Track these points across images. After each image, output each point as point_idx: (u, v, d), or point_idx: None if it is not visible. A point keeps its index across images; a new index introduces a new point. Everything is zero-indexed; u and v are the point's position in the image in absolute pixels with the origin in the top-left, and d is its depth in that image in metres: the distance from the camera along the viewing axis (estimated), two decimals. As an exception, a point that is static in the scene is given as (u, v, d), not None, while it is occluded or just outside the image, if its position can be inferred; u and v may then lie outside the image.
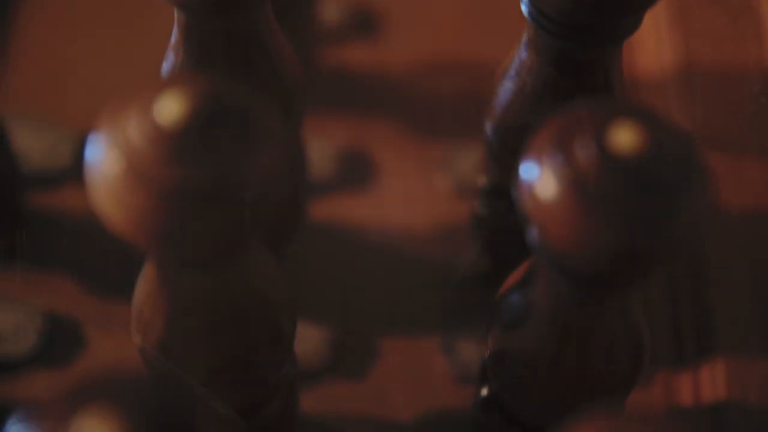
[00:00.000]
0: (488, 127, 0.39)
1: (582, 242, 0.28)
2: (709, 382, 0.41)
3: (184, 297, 0.31)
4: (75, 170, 0.46)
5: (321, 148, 0.47)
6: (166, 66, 0.36)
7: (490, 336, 0.35)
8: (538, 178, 0.29)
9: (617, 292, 0.31)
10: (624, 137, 0.28)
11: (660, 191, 0.28)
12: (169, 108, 0.27)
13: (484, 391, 0.37)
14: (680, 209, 0.28)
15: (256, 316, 0.32)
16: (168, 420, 0.24)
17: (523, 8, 0.35)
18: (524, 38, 0.36)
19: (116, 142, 0.27)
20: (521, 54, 0.37)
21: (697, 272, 0.43)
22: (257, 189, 0.27)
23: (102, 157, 0.27)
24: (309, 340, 0.43)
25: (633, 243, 0.27)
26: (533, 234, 0.30)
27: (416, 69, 0.49)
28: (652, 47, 0.48)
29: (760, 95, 0.47)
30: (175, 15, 0.35)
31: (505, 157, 0.38)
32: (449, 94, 0.48)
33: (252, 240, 0.30)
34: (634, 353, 0.33)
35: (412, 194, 0.46)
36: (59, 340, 0.42)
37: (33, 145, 0.46)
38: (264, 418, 0.37)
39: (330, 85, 0.48)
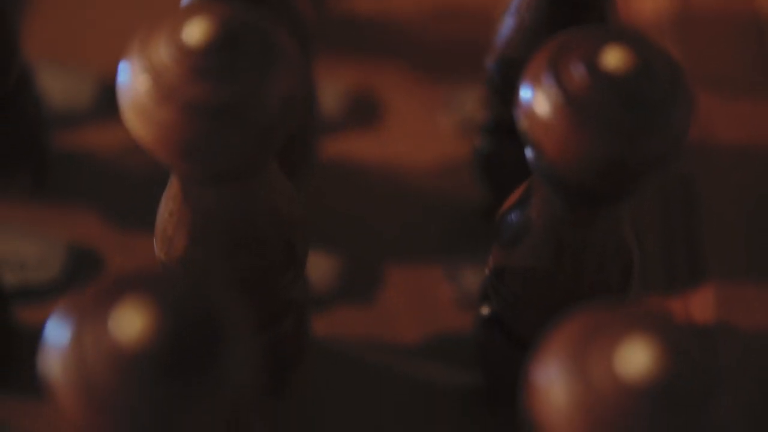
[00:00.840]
0: (489, 63, 0.41)
1: (572, 154, 0.30)
2: (700, 307, 0.43)
3: (204, 214, 0.33)
4: (95, 111, 0.48)
5: (331, 89, 0.49)
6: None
7: (491, 254, 0.37)
8: (533, 98, 0.31)
9: (607, 207, 0.33)
10: (612, 57, 0.30)
11: (645, 107, 0.30)
12: (193, 29, 0.29)
13: (485, 311, 0.40)
14: (664, 123, 0.30)
15: (271, 233, 0.35)
16: (196, 310, 0.26)
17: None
18: (523, -24, 0.39)
19: (144, 63, 0.29)
20: (520, -9, 0.39)
21: (689, 203, 0.45)
22: (275, 106, 0.30)
23: (131, 77, 0.30)
24: (320, 268, 0.45)
25: (619, 154, 0.30)
26: (530, 151, 0.32)
27: (422, 14, 0.51)
28: (647, -9, 0.51)
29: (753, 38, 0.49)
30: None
31: (505, 91, 0.41)
32: (453, 38, 0.50)
33: (268, 159, 0.33)
34: (625, 270, 0.36)
35: (417, 132, 0.48)
36: (82, 270, 0.45)
37: (56, 87, 0.49)
38: (277, 335, 0.39)
39: (339, 30, 0.51)
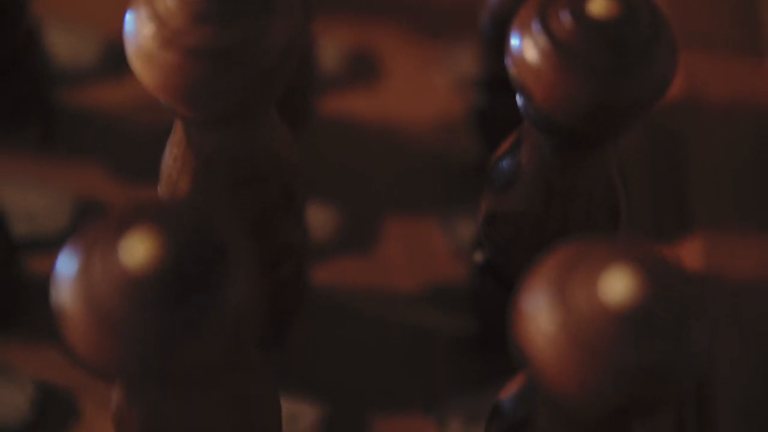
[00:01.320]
0: (484, 17, 0.43)
1: (560, 98, 0.31)
2: (688, 258, 0.45)
3: (207, 157, 0.35)
4: (101, 67, 0.49)
5: (330, 47, 0.50)
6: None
7: (483, 200, 0.38)
8: (522, 44, 0.32)
9: (594, 151, 0.34)
10: (597, 5, 0.31)
11: (629, 51, 0.31)
12: (197, -24, 0.30)
13: (478, 257, 0.41)
14: (647, 67, 0.31)
15: (271, 176, 0.36)
16: (201, 238, 0.27)
17: None
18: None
19: (149, 11, 0.31)
20: (512, -52, 0.40)
21: (677, 158, 0.47)
22: (275, 51, 0.31)
23: (137, 24, 0.31)
24: (319, 221, 0.46)
25: (604, 97, 0.31)
26: (520, 97, 0.33)
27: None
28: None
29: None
30: None
31: (499, 46, 0.42)
32: (449, -1, 0.52)
33: (269, 105, 0.34)
34: (612, 214, 0.37)
35: (414, 89, 0.49)
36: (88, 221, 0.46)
37: (63, 44, 0.50)
38: (276, 281, 0.40)
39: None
